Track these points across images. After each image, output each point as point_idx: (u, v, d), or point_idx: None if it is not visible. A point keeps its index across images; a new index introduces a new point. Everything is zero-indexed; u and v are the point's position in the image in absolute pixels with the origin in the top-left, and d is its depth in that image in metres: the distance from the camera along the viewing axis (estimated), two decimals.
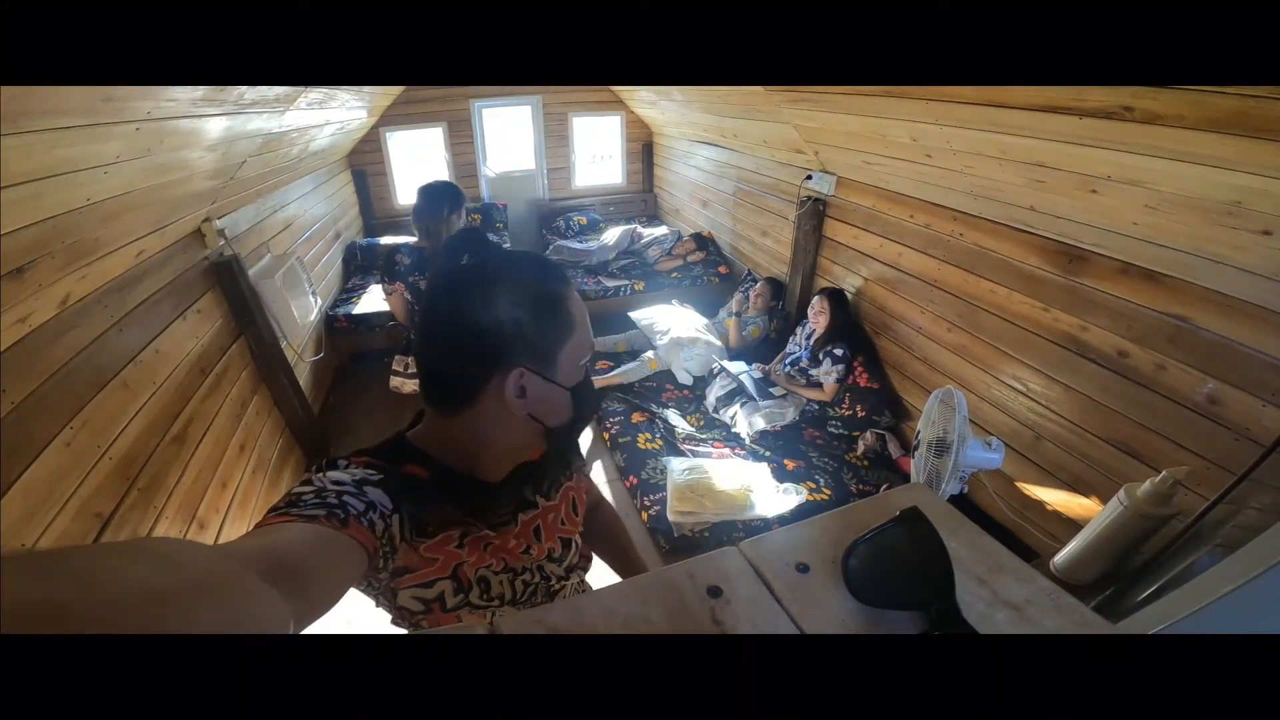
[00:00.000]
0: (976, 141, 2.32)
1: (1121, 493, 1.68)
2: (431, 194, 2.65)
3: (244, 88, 2.18)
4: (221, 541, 2.46)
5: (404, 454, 0.88)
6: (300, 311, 3.63)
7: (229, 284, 2.99)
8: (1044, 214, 2.38)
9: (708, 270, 5.68)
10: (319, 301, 4.12)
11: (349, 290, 5.29)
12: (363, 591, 0.89)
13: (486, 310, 0.81)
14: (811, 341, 3.82)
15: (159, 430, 2.23)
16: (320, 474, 0.80)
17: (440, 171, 6.68)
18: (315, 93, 3.14)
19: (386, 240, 5.98)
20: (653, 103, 5.92)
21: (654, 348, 4.31)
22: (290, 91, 2.70)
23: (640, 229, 6.27)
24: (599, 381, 4.12)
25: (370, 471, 0.82)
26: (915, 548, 0.74)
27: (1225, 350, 1.95)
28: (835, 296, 3.75)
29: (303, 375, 3.80)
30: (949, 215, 2.99)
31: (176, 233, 2.57)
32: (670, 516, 2.90)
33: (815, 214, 4.03)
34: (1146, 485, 1.65)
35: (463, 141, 6.68)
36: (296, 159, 4.01)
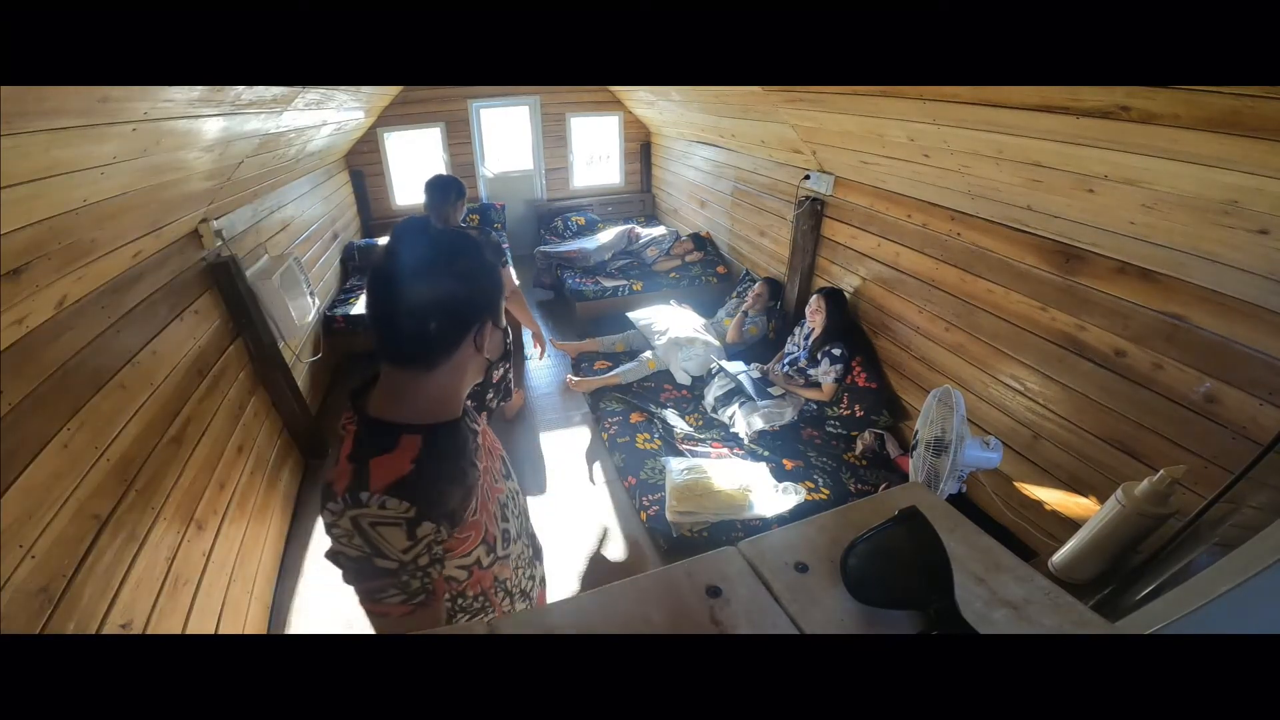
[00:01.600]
0: (973, 141, 2.32)
1: (1119, 492, 1.68)
2: (439, 184, 3.04)
3: (241, 88, 2.18)
4: (219, 544, 2.46)
5: (394, 433, 1.01)
6: (298, 312, 3.62)
7: (226, 285, 2.99)
8: (1041, 213, 2.38)
9: (706, 270, 5.68)
10: (317, 302, 4.11)
11: (347, 291, 5.28)
12: None
13: (463, 282, 1.02)
14: (809, 341, 3.82)
15: (156, 431, 2.23)
16: (375, 530, 0.94)
17: (439, 170, 6.68)
18: (312, 93, 3.13)
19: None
20: (651, 103, 5.92)
21: (652, 348, 4.31)
22: (287, 92, 2.70)
23: (638, 229, 6.27)
24: (597, 382, 4.12)
25: (407, 510, 0.95)
26: (914, 547, 0.75)
27: (1222, 349, 1.95)
28: (831, 296, 3.75)
29: (300, 376, 3.79)
30: (946, 215, 3.00)
31: (173, 233, 2.57)
32: (669, 516, 2.90)
33: (813, 214, 4.03)
34: (1144, 484, 1.65)
35: (460, 142, 6.68)
36: (294, 159, 4.01)
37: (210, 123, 2.20)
